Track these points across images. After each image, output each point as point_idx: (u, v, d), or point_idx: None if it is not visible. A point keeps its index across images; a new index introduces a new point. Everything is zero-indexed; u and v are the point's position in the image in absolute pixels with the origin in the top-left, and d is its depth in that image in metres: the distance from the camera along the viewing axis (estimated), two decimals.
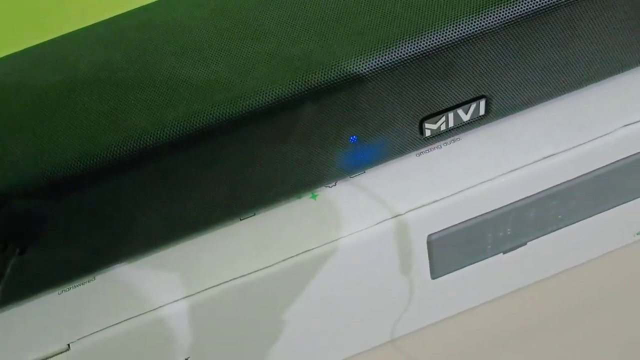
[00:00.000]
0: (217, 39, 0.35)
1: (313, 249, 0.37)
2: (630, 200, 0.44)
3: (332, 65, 0.33)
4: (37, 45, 0.39)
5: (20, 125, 0.34)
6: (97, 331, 0.36)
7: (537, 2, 0.33)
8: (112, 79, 0.35)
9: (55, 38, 0.39)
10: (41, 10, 0.44)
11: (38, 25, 0.42)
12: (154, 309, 0.37)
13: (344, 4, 0.35)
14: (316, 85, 0.33)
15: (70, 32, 0.38)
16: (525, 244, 0.43)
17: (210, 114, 0.33)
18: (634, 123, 0.38)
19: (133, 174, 0.33)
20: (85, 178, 0.32)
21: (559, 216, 0.42)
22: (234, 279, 0.37)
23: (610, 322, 0.47)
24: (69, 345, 0.36)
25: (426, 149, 0.39)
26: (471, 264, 0.43)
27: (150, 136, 0.32)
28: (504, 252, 0.43)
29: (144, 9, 0.39)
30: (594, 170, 0.40)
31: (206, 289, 0.37)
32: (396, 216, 0.37)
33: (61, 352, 0.36)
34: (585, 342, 0.46)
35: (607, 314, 0.47)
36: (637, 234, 0.48)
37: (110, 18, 0.39)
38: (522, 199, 0.39)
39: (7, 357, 0.36)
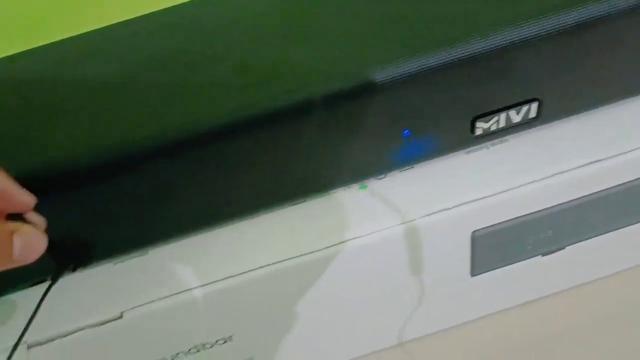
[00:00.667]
0: (283, 29, 0.37)
1: (357, 237, 0.38)
2: None
3: (391, 61, 0.34)
4: (102, 28, 0.40)
5: (93, 104, 0.36)
6: (149, 302, 0.38)
7: (596, 10, 0.34)
8: (181, 62, 0.37)
9: (124, 21, 0.40)
10: None
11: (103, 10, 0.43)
12: (201, 286, 0.38)
13: (406, 4, 0.36)
14: (376, 79, 0.34)
15: (141, 15, 0.40)
16: (564, 247, 0.44)
17: (272, 102, 0.34)
18: None
19: (197, 154, 0.35)
20: (153, 156, 0.34)
21: (600, 222, 0.43)
22: (268, 265, 0.38)
23: None
24: (121, 313, 0.38)
25: (475, 148, 0.40)
26: (511, 263, 0.44)
27: (214, 120, 0.34)
28: (543, 255, 0.44)
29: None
30: (638, 179, 0.40)
31: (247, 272, 0.38)
32: (442, 210, 0.39)
33: (114, 320, 0.38)
34: (618, 354, 0.46)
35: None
36: None
37: (178, 5, 0.41)
38: (566, 202, 0.40)
39: (63, 321, 0.38)
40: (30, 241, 0.27)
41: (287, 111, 0.34)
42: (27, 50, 0.40)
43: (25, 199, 0.28)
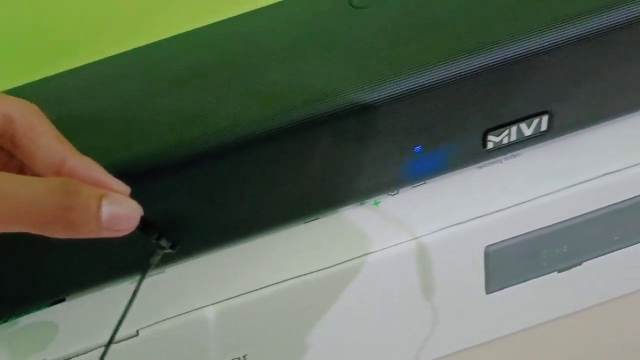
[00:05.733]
0: (291, 48, 0.38)
1: (372, 252, 0.38)
2: None
3: (402, 76, 0.35)
4: (135, 49, 0.42)
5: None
6: (165, 319, 0.38)
7: (604, 21, 0.34)
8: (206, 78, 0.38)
9: (155, 42, 0.42)
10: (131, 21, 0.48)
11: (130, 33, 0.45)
12: (215, 303, 0.38)
13: (416, 17, 0.37)
14: (388, 93, 0.35)
15: (167, 38, 0.42)
16: (580, 264, 0.44)
17: (292, 114, 0.35)
18: None
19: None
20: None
21: (616, 237, 0.43)
22: (282, 281, 0.39)
23: None
24: (137, 331, 0.38)
25: (487, 162, 0.41)
26: (526, 280, 0.44)
27: (234, 130, 0.34)
28: (559, 271, 0.44)
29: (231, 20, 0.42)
30: None
31: (270, 285, 0.39)
32: (455, 225, 0.39)
33: (130, 337, 0.38)
34: None
35: None
36: None
37: (201, 27, 0.43)
38: (579, 215, 0.40)
39: (80, 339, 0.38)
40: (122, 207, 0.26)
41: (303, 126, 0.35)
42: (106, 57, 0.42)
43: (121, 188, 0.27)
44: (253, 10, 0.42)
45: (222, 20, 0.42)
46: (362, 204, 0.41)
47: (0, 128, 0.26)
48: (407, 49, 0.36)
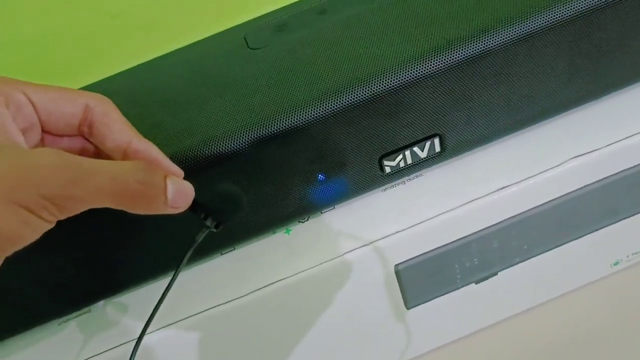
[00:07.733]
0: (187, 93, 0.40)
1: (285, 278, 0.40)
2: (596, 231, 0.46)
3: (292, 110, 0.37)
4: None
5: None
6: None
7: (471, 49, 0.36)
8: None
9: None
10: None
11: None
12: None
13: (301, 58, 0.39)
14: (280, 128, 0.37)
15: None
16: (496, 274, 0.46)
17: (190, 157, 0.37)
18: (582, 155, 0.41)
19: None
20: None
21: (525, 246, 0.44)
22: (214, 307, 0.40)
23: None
24: None
25: (390, 185, 0.43)
26: (444, 294, 0.45)
27: None
28: (476, 283, 0.45)
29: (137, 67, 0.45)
30: (549, 202, 0.42)
31: (189, 317, 0.40)
32: (362, 246, 0.41)
33: None
34: None
35: (586, 350, 0.48)
36: (614, 265, 0.50)
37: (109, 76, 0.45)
38: (482, 229, 0.42)
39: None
40: (181, 186, 0.30)
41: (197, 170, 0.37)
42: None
43: (175, 169, 0.32)
44: (158, 57, 0.44)
45: (128, 69, 0.44)
46: (274, 233, 0.43)
47: (82, 116, 0.31)
48: (296, 83, 0.38)
